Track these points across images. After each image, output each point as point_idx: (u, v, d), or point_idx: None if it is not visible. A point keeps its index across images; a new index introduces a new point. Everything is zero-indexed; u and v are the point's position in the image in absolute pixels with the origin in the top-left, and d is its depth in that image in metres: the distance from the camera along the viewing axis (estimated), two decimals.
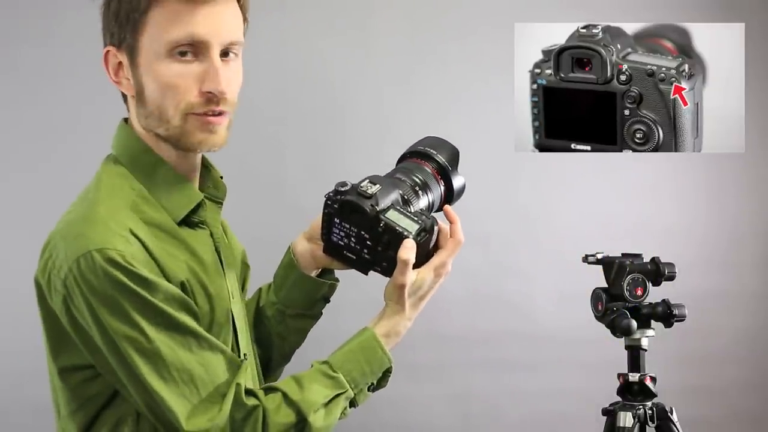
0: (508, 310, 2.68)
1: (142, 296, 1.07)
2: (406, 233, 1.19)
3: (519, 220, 2.70)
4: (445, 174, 1.33)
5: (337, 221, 1.24)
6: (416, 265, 1.21)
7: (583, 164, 2.75)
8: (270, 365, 1.41)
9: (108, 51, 1.17)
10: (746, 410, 2.86)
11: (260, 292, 1.42)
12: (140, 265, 1.08)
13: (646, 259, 1.87)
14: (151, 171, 1.18)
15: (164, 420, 1.10)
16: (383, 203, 1.21)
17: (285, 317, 1.37)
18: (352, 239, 1.23)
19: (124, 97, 1.21)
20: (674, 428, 1.82)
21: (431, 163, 1.33)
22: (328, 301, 1.40)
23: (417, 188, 1.28)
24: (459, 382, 2.65)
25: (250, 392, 1.14)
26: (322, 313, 1.40)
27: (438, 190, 1.32)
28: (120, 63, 1.16)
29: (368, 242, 1.22)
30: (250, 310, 1.41)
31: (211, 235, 1.23)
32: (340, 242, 1.25)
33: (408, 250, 1.19)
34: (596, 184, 2.77)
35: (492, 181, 2.67)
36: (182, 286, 1.13)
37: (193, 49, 1.13)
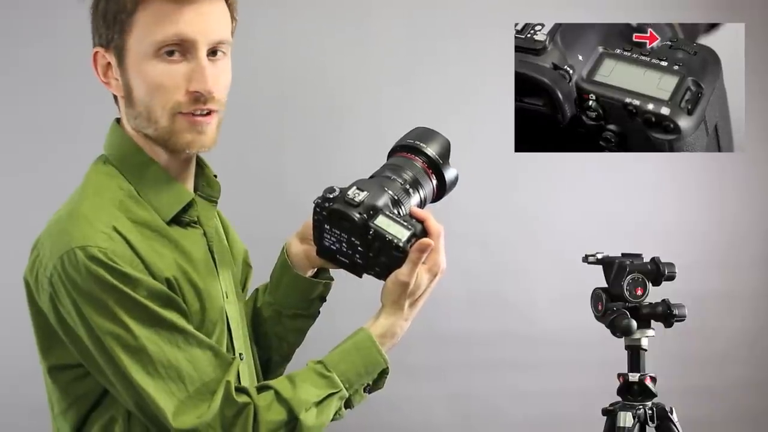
0: (508, 310, 2.67)
1: (125, 293, 1.07)
2: (396, 240, 1.18)
3: (519, 220, 2.70)
4: (436, 167, 1.30)
5: (328, 227, 1.23)
6: None
7: (583, 164, 2.75)
8: (269, 366, 1.40)
9: (97, 52, 1.17)
10: (747, 410, 2.86)
11: (257, 293, 1.42)
12: (123, 262, 1.08)
13: (646, 259, 1.86)
14: (141, 171, 1.18)
15: (153, 417, 1.10)
16: (372, 210, 1.20)
17: (282, 317, 1.37)
18: (344, 245, 1.22)
19: (115, 97, 1.21)
20: (674, 428, 1.82)
21: (421, 156, 1.30)
22: (325, 300, 1.39)
23: (407, 186, 1.26)
24: (459, 383, 2.65)
25: (241, 389, 1.13)
26: (319, 312, 1.40)
27: (430, 185, 1.29)
28: (108, 64, 1.17)
29: (360, 248, 1.21)
30: (248, 310, 1.40)
31: (204, 234, 1.23)
32: (332, 247, 1.24)
33: (421, 252, 1.18)
34: (596, 184, 2.77)
35: (492, 181, 2.67)
36: (168, 283, 1.13)
37: (181, 48, 1.13)
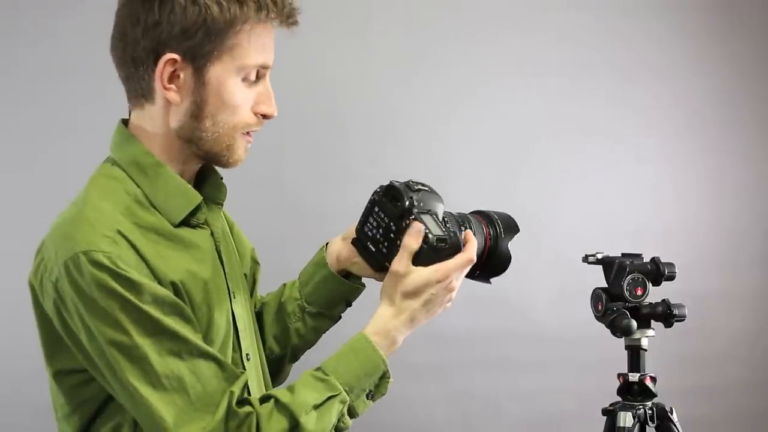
0: (508, 309, 2.67)
1: (129, 300, 1.06)
2: (427, 232, 1.19)
3: (519, 220, 2.68)
4: (495, 237, 1.37)
5: (376, 209, 1.26)
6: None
7: (583, 164, 2.75)
8: (282, 362, 1.41)
9: (170, 59, 1.12)
10: (746, 410, 2.86)
11: (283, 288, 1.43)
12: (128, 267, 1.07)
13: (646, 259, 1.86)
14: (150, 173, 1.17)
15: (153, 429, 1.08)
16: (423, 205, 1.22)
17: (304, 314, 1.38)
18: (380, 230, 1.24)
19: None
20: (674, 428, 1.81)
21: (490, 226, 1.37)
22: (350, 305, 1.40)
23: (463, 227, 1.30)
24: (459, 382, 2.65)
25: (244, 401, 1.12)
26: (341, 317, 1.40)
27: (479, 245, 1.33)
28: (175, 71, 1.13)
29: (391, 234, 1.23)
30: (272, 305, 1.41)
31: (212, 234, 1.23)
32: (368, 233, 1.27)
33: (412, 237, 1.19)
34: (596, 184, 2.77)
35: (492, 180, 2.67)
36: (174, 287, 1.12)
37: (260, 73, 1.17)
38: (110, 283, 1.05)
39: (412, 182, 1.25)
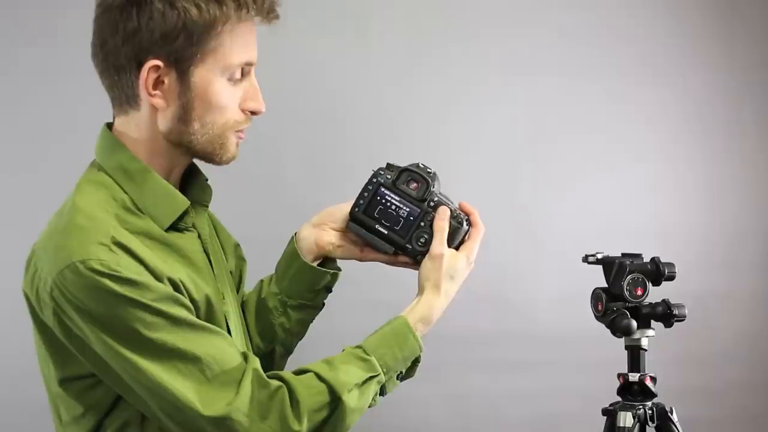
0: (508, 310, 2.67)
1: (133, 299, 1.06)
2: (457, 211, 1.26)
3: (519, 220, 2.69)
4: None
5: (383, 190, 1.28)
6: None
7: (583, 164, 2.75)
8: (273, 356, 1.41)
9: (154, 65, 1.11)
10: (746, 410, 2.85)
11: (261, 284, 1.42)
12: (127, 271, 1.06)
13: (646, 259, 1.86)
14: (137, 179, 1.16)
15: (179, 416, 1.08)
16: (436, 187, 1.29)
17: (287, 308, 1.38)
18: (394, 212, 1.27)
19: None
20: (674, 428, 1.82)
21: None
22: (330, 291, 1.40)
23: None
24: (458, 382, 2.65)
25: (273, 375, 1.13)
26: (324, 304, 1.40)
27: None
28: (159, 77, 1.12)
29: (411, 217, 1.26)
30: (251, 302, 1.41)
31: (199, 237, 1.23)
32: (375, 214, 1.28)
33: (443, 220, 1.25)
34: (596, 184, 2.77)
35: (492, 180, 2.67)
36: (173, 284, 1.12)
37: (245, 71, 1.17)
38: (111, 287, 1.05)
39: (422, 165, 1.30)
